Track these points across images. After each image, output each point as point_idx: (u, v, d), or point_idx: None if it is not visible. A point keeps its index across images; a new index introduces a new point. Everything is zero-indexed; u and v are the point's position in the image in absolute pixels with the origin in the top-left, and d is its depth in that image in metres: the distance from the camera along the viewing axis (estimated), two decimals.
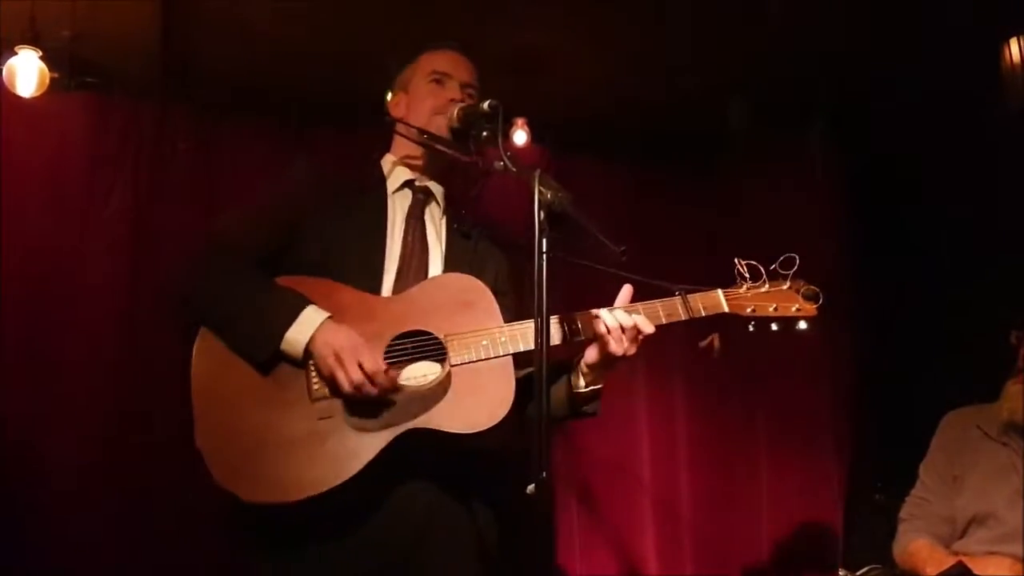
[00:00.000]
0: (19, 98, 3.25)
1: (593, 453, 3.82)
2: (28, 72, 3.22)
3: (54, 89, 3.31)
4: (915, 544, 2.87)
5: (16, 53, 3.21)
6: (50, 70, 3.27)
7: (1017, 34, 3.24)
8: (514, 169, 1.89)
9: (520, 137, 3.80)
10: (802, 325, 2.12)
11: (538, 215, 1.73)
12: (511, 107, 3.56)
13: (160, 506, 3.33)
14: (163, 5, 3.26)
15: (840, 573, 3.21)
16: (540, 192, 1.75)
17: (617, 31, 3.45)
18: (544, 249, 1.71)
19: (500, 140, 1.94)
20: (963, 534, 2.82)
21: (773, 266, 2.10)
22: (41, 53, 3.23)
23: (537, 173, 1.78)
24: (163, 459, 3.30)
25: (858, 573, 3.06)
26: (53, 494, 3.26)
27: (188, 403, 1.95)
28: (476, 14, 3.21)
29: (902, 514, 2.99)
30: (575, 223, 1.80)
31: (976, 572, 2.55)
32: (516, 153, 3.62)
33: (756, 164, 3.96)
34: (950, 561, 2.65)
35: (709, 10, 3.27)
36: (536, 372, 1.70)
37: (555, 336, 2.01)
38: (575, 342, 2.03)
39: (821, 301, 2.11)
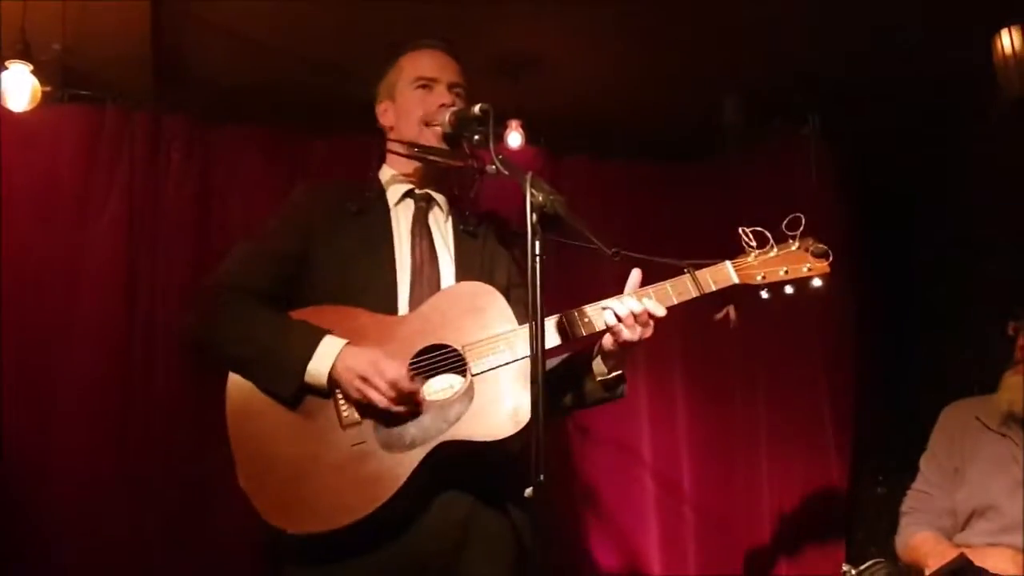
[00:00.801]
0: (11, 112, 3.23)
1: (593, 444, 3.82)
2: (20, 87, 3.20)
3: (46, 103, 3.30)
4: (917, 537, 2.87)
5: (7, 68, 3.19)
6: (41, 84, 3.25)
7: (1009, 25, 3.24)
8: (506, 172, 1.89)
9: (514, 139, 3.77)
10: (817, 283, 2.07)
11: (530, 218, 1.73)
12: (505, 107, 3.59)
13: (172, 516, 3.32)
14: (153, 14, 3.26)
15: (844, 567, 3.21)
16: (532, 195, 1.74)
17: (615, 30, 3.45)
18: (537, 251, 1.71)
19: (492, 143, 1.93)
20: (964, 526, 2.82)
21: (784, 222, 2.06)
22: (32, 67, 3.21)
23: (529, 176, 1.77)
24: (168, 466, 3.32)
25: (861, 567, 3.06)
26: (58, 505, 3.24)
27: (192, 406, 1.95)
28: (472, 16, 3.22)
29: (903, 507, 2.99)
30: (568, 225, 1.80)
31: (978, 564, 2.55)
32: (510, 155, 3.61)
33: (754, 162, 3.96)
34: (952, 554, 2.64)
35: (708, 9, 3.27)
36: (532, 374, 1.70)
37: (561, 337, 2.01)
38: (583, 338, 2.03)
39: (832, 257, 2.06)
